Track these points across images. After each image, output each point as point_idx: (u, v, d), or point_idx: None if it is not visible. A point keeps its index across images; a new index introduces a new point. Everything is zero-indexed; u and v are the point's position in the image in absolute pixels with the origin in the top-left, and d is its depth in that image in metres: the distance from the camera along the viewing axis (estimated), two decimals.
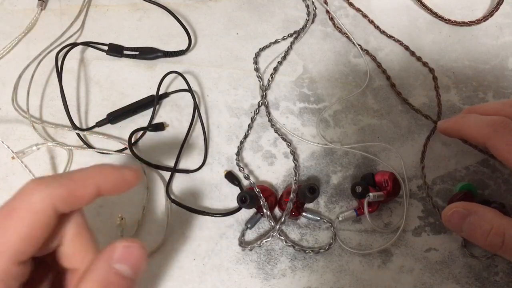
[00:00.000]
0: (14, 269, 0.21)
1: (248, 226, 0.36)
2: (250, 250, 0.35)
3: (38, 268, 0.23)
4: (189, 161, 0.39)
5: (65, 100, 0.39)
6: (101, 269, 0.22)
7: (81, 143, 0.39)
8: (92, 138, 0.39)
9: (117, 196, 0.36)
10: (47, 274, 0.26)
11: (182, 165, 0.38)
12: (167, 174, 0.38)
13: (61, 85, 0.39)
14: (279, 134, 0.39)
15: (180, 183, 0.38)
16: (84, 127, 0.40)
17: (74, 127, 0.39)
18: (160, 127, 0.39)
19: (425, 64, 0.43)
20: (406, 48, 0.44)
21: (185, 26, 0.43)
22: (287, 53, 0.44)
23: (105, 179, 0.23)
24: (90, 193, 0.23)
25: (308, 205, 0.37)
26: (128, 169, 0.25)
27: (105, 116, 0.39)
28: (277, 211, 0.37)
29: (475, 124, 0.33)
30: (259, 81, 0.42)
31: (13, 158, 0.38)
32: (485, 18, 0.45)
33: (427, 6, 0.46)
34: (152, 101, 0.40)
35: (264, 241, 0.35)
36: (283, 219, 0.35)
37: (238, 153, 0.39)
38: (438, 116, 0.41)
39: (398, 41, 0.45)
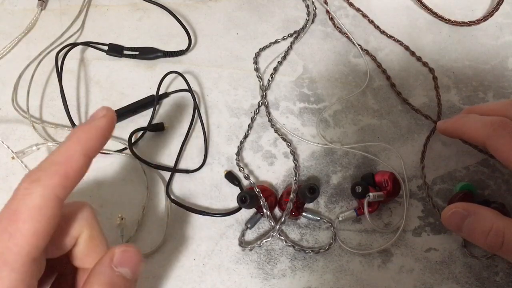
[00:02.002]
0: (31, 267, 0.21)
1: (248, 226, 0.36)
2: (250, 250, 0.35)
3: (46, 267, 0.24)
4: (189, 161, 0.39)
5: (65, 100, 0.39)
6: (105, 273, 0.23)
7: None
8: None
9: (117, 196, 0.36)
10: (51, 275, 0.26)
11: (182, 165, 0.38)
12: (167, 174, 0.38)
13: (61, 85, 0.39)
14: (279, 134, 0.39)
15: (180, 183, 0.38)
16: None
17: (74, 127, 0.39)
18: (160, 127, 0.39)
19: (425, 64, 0.43)
20: (406, 48, 0.44)
21: (185, 26, 0.43)
22: (287, 53, 0.44)
23: (88, 143, 0.23)
24: (82, 164, 0.23)
25: (308, 205, 0.37)
26: (99, 119, 0.24)
27: None
28: (277, 211, 0.37)
29: (475, 124, 0.33)
30: (259, 81, 0.42)
31: (13, 158, 0.38)
32: (485, 18, 0.45)
33: (427, 6, 0.46)
34: (152, 101, 0.40)
35: (264, 241, 0.35)
36: (283, 219, 0.35)
37: (238, 153, 0.39)
38: (438, 116, 0.41)
39: (398, 41, 0.45)
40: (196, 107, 0.40)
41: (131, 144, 0.38)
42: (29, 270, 0.21)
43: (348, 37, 0.44)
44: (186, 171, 0.38)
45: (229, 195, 0.37)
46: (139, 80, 0.42)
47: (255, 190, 0.35)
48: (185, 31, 0.43)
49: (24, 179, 0.22)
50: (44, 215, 0.21)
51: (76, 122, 0.39)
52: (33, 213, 0.21)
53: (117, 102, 0.41)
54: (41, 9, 0.45)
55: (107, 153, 0.38)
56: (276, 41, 0.44)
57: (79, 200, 0.26)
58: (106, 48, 0.43)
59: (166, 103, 0.41)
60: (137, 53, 0.43)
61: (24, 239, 0.20)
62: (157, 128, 0.39)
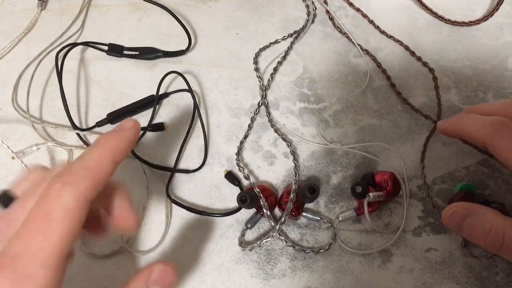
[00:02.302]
0: (62, 265, 0.22)
1: (248, 226, 0.36)
2: (250, 250, 0.35)
3: None
4: (189, 161, 0.39)
5: (65, 100, 0.39)
6: None
7: (81, 143, 0.39)
8: (92, 138, 0.39)
9: None
10: None
11: (182, 165, 0.38)
12: (167, 174, 0.38)
13: (61, 85, 0.39)
14: (279, 134, 0.39)
15: (180, 183, 0.38)
16: (84, 127, 0.40)
17: (74, 127, 0.39)
18: (160, 127, 0.39)
19: (425, 64, 0.43)
20: (406, 48, 0.44)
21: (185, 26, 0.43)
22: (287, 53, 0.44)
23: (117, 151, 0.25)
24: (111, 170, 0.25)
25: (308, 205, 0.37)
26: (128, 130, 0.26)
27: (105, 116, 0.39)
28: (277, 211, 0.37)
29: (475, 124, 0.33)
30: (259, 81, 0.42)
31: (13, 158, 0.38)
32: (485, 18, 0.45)
33: (427, 6, 0.46)
34: (152, 101, 0.40)
35: (264, 241, 0.35)
36: (283, 219, 0.35)
37: (238, 153, 0.39)
38: (438, 116, 0.41)
39: (398, 41, 0.45)
40: (196, 107, 0.40)
41: None
42: (60, 268, 0.22)
43: (348, 37, 0.44)
44: (186, 171, 0.38)
45: (229, 195, 0.37)
46: (139, 80, 0.42)
47: (255, 190, 0.35)
48: (185, 31, 0.43)
49: (55, 180, 0.23)
50: (76, 216, 0.22)
51: (76, 122, 0.39)
52: (66, 214, 0.22)
53: (117, 102, 0.41)
54: (41, 9, 0.45)
55: None
56: (276, 41, 0.44)
57: None
58: (106, 48, 0.43)
59: (166, 103, 0.41)
60: (137, 53, 0.43)
61: (58, 239, 0.22)
62: (157, 128, 0.39)
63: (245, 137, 0.39)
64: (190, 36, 0.43)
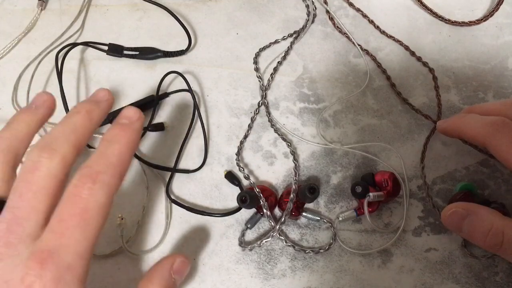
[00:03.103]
0: (92, 254, 0.24)
1: (248, 226, 0.36)
2: (250, 250, 0.35)
3: None
4: (189, 161, 0.39)
5: (65, 100, 0.39)
6: (165, 277, 0.28)
7: None
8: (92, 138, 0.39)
9: (117, 196, 0.36)
10: None
11: (182, 165, 0.38)
12: (167, 174, 0.38)
13: (61, 85, 0.39)
14: (279, 134, 0.39)
15: (180, 183, 0.38)
16: None
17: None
18: (160, 127, 0.39)
19: (425, 64, 0.43)
20: (406, 48, 0.44)
21: (185, 26, 0.43)
22: (287, 53, 0.44)
23: (133, 145, 0.27)
24: (130, 164, 0.26)
25: (308, 205, 0.37)
26: (135, 122, 0.28)
27: None
28: (277, 211, 0.37)
29: (475, 124, 0.33)
30: (259, 81, 0.42)
31: None
32: (485, 18, 0.45)
33: (427, 6, 0.46)
34: (152, 101, 0.40)
35: (264, 241, 0.35)
36: (283, 219, 0.35)
37: (238, 153, 0.39)
38: (438, 116, 0.41)
39: (398, 41, 0.45)
40: (196, 107, 0.40)
41: None
42: (91, 257, 0.24)
43: (348, 37, 0.44)
44: (186, 171, 0.38)
45: (229, 195, 0.37)
46: (139, 80, 0.42)
47: (255, 190, 0.35)
48: (185, 31, 0.43)
49: (84, 176, 0.24)
50: (106, 212, 0.24)
51: None
52: (100, 210, 0.24)
53: (117, 102, 0.41)
54: (41, 9, 0.45)
55: None
56: (276, 41, 0.44)
57: None
58: (106, 48, 0.43)
59: (166, 103, 0.41)
60: (137, 53, 0.43)
61: (94, 232, 0.23)
62: (157, 128, 0.39)
63: (245, 137, 0.39)
64: (190, 36, 0.43)
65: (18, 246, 0.22)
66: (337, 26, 0.45)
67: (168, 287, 0.27)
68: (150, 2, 0.45)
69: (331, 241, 0.35)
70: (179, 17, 0.43)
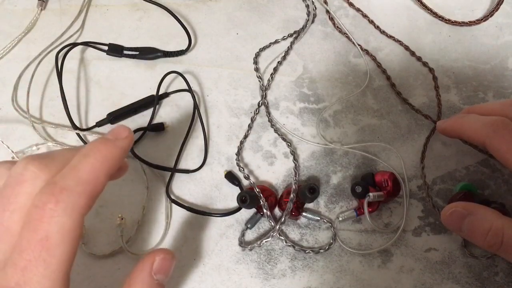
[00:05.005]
0: (67, 281, 0.22)
1: (248, 226, 0.36)
2: (250, 250, 0.35)
3: None
4: (189, 161, 0.39)
5: (65, 100, 0.39)
6: (146, 281, 0.24)
7: (81, 143, 0.39)
8: (92, 138, 0.39)
9: (117, 196, 0.36)
10: None
11: (182, 165, 0.38)
12: (167, 174, 0.38)
13: (61, 85, 0.39)
14: (279, 134, 0.39)
15: (180, 183, 0.38)
16: (84, 127, 0.40)
17: (74, 127, 0.39)
18: (160, 127, 0.39)
19: (425, 64, 0.43)
20: (406, 48, 0.44)
21: (185, 26, 0.43)
22: (287, 53, 0.44)
23: (112, 162, 0.23)
24: (104, 184, 0.23)
25: (308, 205, 0.37)
26: (123, 140, 0.25)
27: (105, 116, 0.39)
28: (277, 211, 0.37)
29: (475, 124, 0.33)
30: (259, 81, 0.42)
31: (13, 158, 0.38)
32: (485, 18, 0.45)
33: (427, 6, 0.46)
34: (152, 101, 0.40)
35: (264, 241, 0.35)
36: (283, 219, 0.35)
37: (238, 153, 0.39)
38: (438, 116, 0.41)
39: (398, 41, 0.45)
40: (196, 107, 0.40)
41: None
42: (66, 284, 0.21)
43: (348, 37, 0.44)
44: (186, 171, 0.38)
45: (229, 195, 0.37)
46: (139, 80, 0.42)
47: (255, 190, 0.35)
48: (185, 31, 0.43)
49: (46, 194, 0.21)
50: (74, 236, 0.21)
51: (76, 122, 0.39)
52: (64, 237, 0.21)
53: (117, 102, 0.41)
54: (41, 9, 0.45)
55: None
56: (276, 41, 0.44)
57: None
58: (106, 48, 0.43)
59: (166, 103, 0.41)
60: (137, 53, 0.43)
61: (60, 263, 0.21)
62: (157, 128, 0.39)
63: (245, 137, 0.39)
64: (190, 36, 0.43)
65: None
66: (337, 26, 0.45)
67: None
68: (150, 2, 0.45)
69: (331, 241, 0.35)
70: (179, 17, 0.43)
